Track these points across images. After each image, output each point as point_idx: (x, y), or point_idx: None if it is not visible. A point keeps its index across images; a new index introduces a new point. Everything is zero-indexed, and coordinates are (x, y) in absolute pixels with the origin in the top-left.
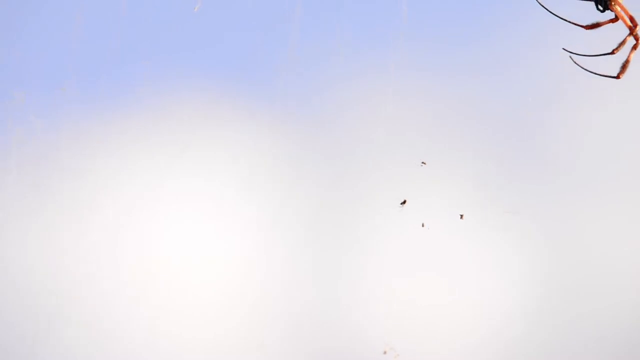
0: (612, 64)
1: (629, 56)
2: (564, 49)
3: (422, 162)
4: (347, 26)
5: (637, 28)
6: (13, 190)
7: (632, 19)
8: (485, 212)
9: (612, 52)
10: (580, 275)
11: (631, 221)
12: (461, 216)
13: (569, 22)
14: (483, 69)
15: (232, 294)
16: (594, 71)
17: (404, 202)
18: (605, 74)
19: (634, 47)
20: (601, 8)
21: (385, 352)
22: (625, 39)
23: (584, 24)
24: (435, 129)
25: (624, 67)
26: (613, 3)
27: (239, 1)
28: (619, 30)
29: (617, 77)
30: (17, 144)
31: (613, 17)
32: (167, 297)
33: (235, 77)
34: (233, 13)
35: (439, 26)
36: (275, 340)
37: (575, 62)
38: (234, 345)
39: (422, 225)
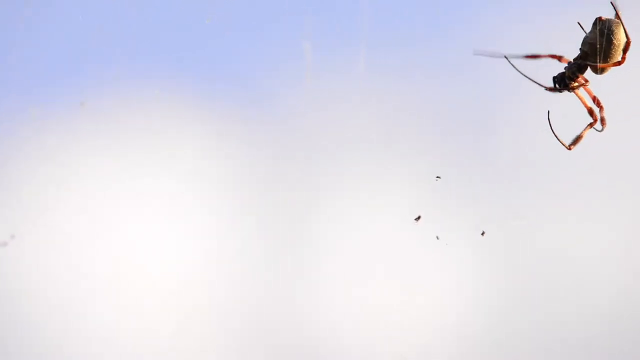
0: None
1: (582, 132)
2: (547, 115)
3: (437, 177)
4: (314, 27)
5: (601, 111)
6: None
7: (595, 99)
8: (444, 215)
9: (569, 148)
10: (534, 278)
11: (585, 223)
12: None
13: (537, 83)
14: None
15: (187, 294)
16: (555, 133)
17: (419, 217)
18: (560, 141)
19: (590, 125)
20: (559, 87)
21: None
22: (582, 133)
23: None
24: (394, 130)
25: (575, 141)
26: (576, 85)
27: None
28: None
29: (569, 148)
30: None
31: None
32: (120, 297)
33: (195, 77)
34: (189, 13)
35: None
36: (228, 339)
37: (550, 125)
38: (188, 344)
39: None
